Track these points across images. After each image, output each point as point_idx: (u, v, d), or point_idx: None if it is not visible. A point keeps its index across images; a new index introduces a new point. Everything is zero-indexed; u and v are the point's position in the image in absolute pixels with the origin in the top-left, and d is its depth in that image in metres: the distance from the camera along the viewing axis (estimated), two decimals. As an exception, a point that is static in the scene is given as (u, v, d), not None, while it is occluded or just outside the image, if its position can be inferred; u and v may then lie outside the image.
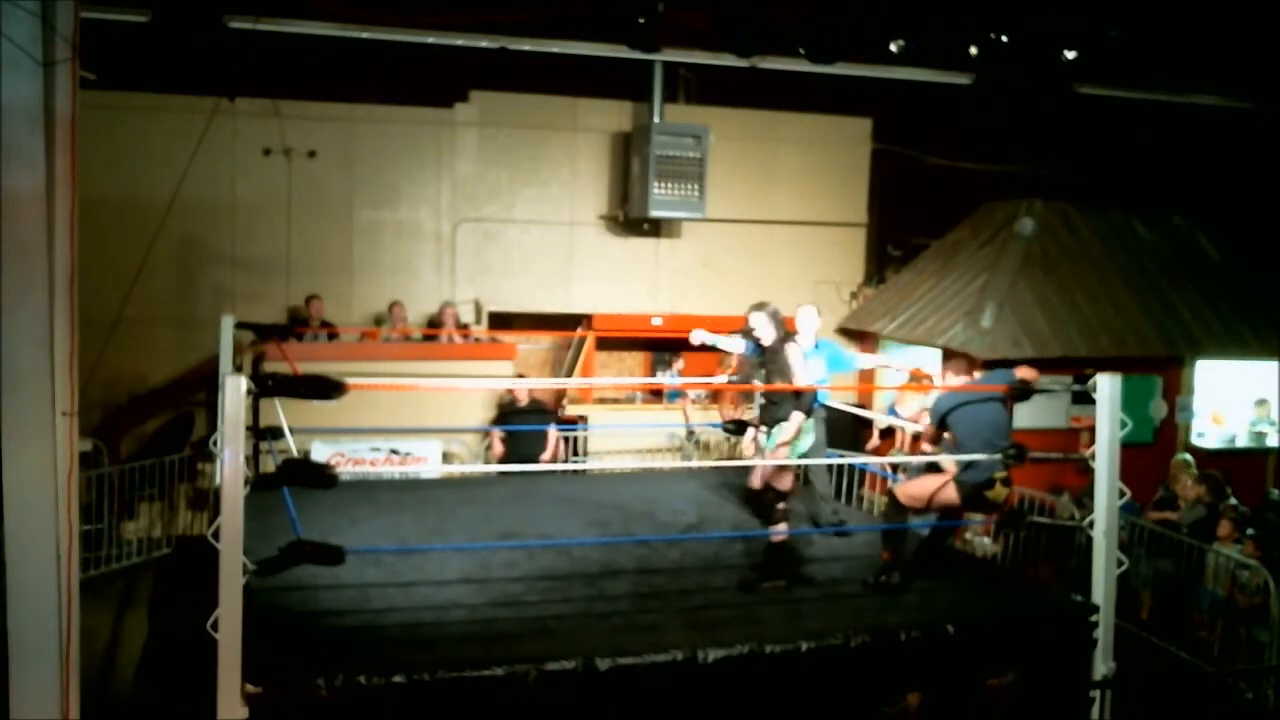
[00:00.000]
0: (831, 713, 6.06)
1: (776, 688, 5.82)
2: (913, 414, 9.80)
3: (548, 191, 13.80)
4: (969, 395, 6.85)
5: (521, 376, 12.93)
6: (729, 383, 10.19)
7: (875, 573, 6.91)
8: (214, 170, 11.92)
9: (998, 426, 6.72)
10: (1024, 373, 6.84)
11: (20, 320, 5.40)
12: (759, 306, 7.08)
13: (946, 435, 6.96)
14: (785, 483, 7.08)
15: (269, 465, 8.57)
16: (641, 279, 14.14)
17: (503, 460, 10.92)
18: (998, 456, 6.63)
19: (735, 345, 7.83)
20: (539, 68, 12.24)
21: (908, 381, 10.27)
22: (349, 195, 13.10)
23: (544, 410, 11.72)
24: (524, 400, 11.40)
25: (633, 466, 11.82)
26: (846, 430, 10.37)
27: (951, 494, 6.81)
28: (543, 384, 12.87)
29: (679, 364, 13.80)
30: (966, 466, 6.74)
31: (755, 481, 7.37)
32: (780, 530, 7.03)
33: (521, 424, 11.13)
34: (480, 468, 11.88)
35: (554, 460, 11.02)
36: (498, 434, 11.26)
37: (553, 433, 11.18)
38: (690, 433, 12.44)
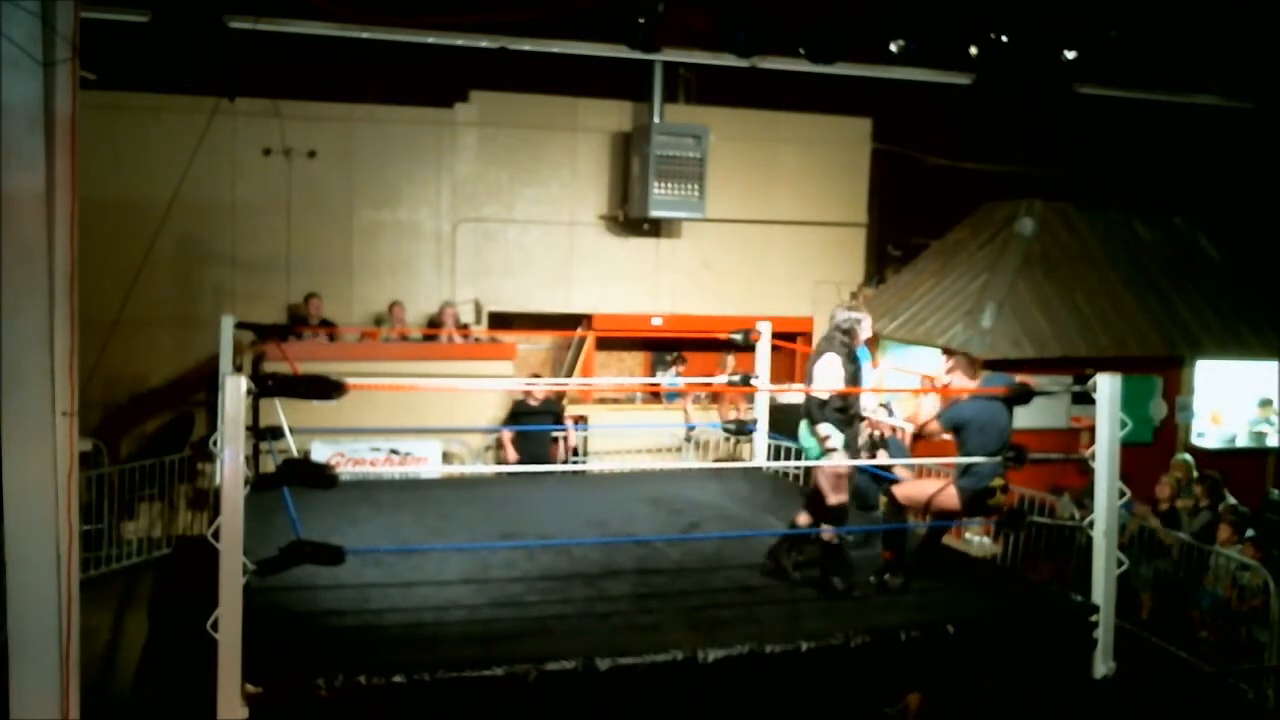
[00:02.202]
0: (831, 713, 6.06)
1: (776, 688, 5.81)
2: (908, 414, 9.80)
3: (548, 191, 13.80)
4: (986, 404, 6.79)
5: (537, 376, 12.97)
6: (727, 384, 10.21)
7: (877, 572, 6.91)
8: (214, 170, 11.92)
9: (1003, 435, 6.72)
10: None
11: (20, 320, 5.39)
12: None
13: (947, 436, 6.94)
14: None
15: (269, 465, 8.57)
16: (641, 279, 14.14)
17: (517, 464, 10.96)
18: (998, 460, 6.62)
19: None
20: (539, 68, 12.24)
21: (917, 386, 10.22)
22: (349, 195, 13.10)
23: (556, 411, 11.78)
24: (536, 400, 11.47)
25: (632, 466, 11.82)
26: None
27: (951, 499, 6.81)
28: (543, 384, 12.87)
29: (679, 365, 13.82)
30: (966, 472, 6.74)
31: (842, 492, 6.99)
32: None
33: (533, 424, 11.18)
34: (483, 468, 11.90)
35: (565, 461, 11.10)
36: (508, 437, 11.30)
37: (563, 433, 11.28)
38: (687, 434, 12.46)
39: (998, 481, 6.71)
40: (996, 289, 12.50)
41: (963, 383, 6.88)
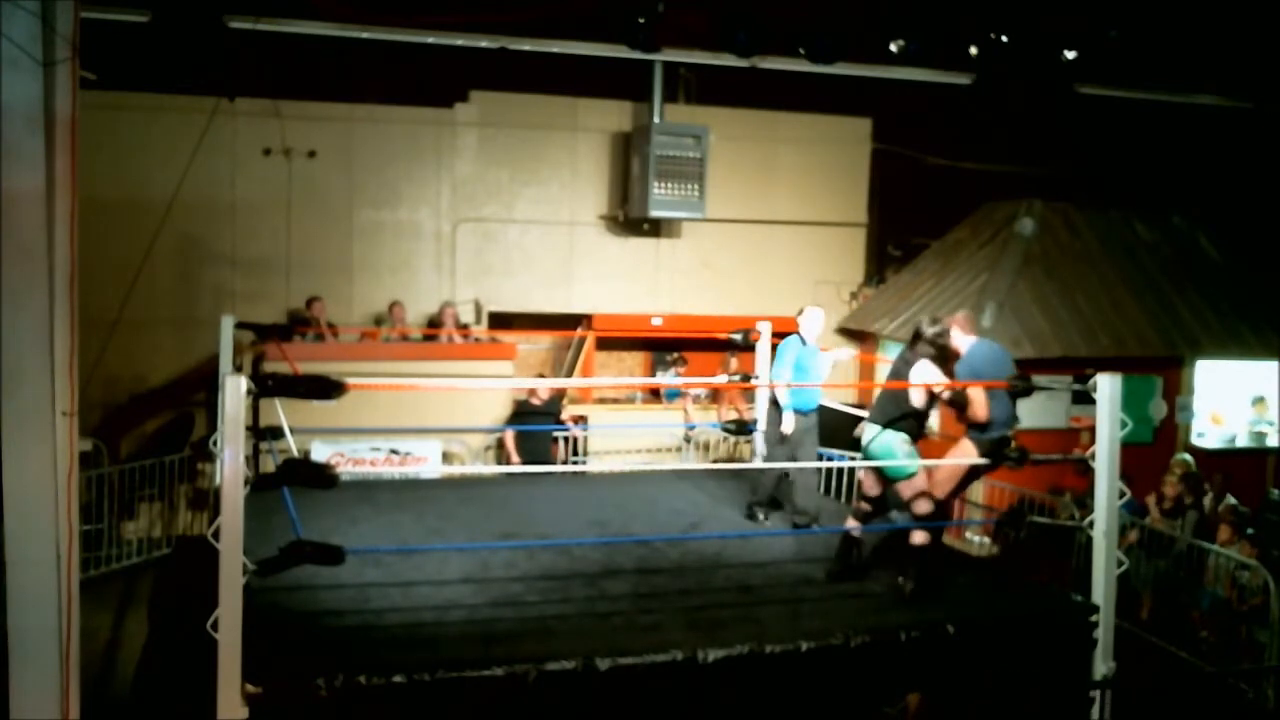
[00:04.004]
0: (831, 713, 6.06)
1: (776, 688, 5.82)
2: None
3: (548, 191, 13.80)
4: (989, 351, 7.02)
5: (543, 375, 12.96)
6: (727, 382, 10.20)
7: (897, 573, 6.92)
8: (214, 170, 11.92)
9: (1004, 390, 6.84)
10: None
11: (20, 320, 5.40)
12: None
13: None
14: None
15: (269, 465, 8.57)
16: (641, 279, 14.14)
17: (520, 463, 10.99)
18: (1010, 405, 6.74)
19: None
20: (539, 68, 12.25)
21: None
22: (349, 195, 13.10)
23: (557, 411, 11.80)
24: (539, 400, 11.48)
25: (633, 466, 11.83)
26: (843, 429, 10.35)
27: (969, 451, 6.85)
28: (543, 384, 12.88)
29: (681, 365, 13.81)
30: (982, 429, 6.79)
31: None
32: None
33: (536, 424, 11.19)
34: (483, 468, 11.91)
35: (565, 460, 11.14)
36: (510, 436, 11.31)
37: (565, 433, 11.33)
38: (686, 435, 12.45)
39: (1010, 432, 6.81)
40: (996, 289, 12.50)
41: (961, 338, 6.98)
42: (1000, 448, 6.75)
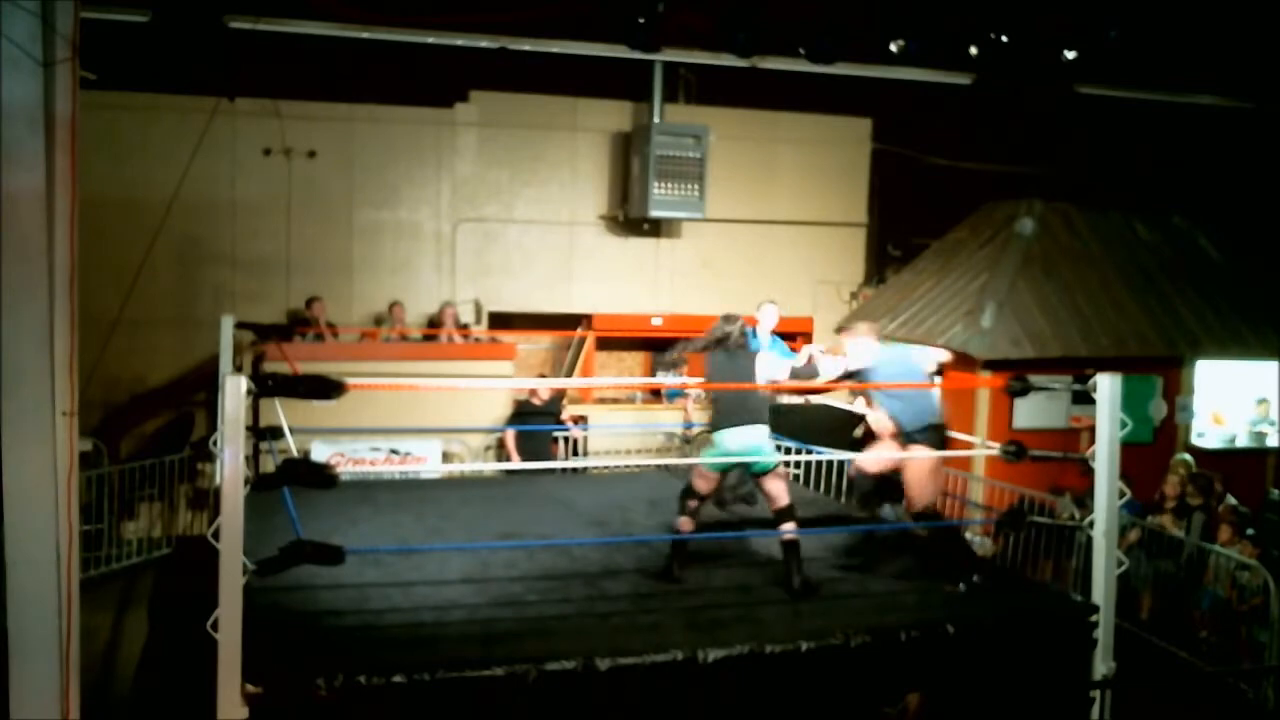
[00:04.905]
0: (831, 713, 6.06)
1: (776, 688, 5.82)
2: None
3: (548, 191, 13.80)
4: (890, 358, 7.22)
5: (543, 375, 12.95)
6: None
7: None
8: (214, 170, 11.92)
9: (915, 376, 7.06)
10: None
11: (20, 320, 5.40)
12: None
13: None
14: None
15: (269, 465, 8.57)
16: (641, 279, 14.14)
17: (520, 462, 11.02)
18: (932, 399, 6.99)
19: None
20: (539, 68, 12.25)
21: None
22: (349, 195, 13.10)
23: (557, 411, 11.81)
24: (540, 400, 11.49)
25: (633, 466, 11.83)
26: (843, 428, 10.34)
27: (882, 425, 7.16)
28: (543, 384, 12.88)
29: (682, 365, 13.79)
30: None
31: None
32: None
33: (536, 424, 11.20)
34: (486, 466, 11.91)
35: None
36: (510, 436, 11.32)
37: (565, 433, 11.34)
38: (684, 434, 12.45)
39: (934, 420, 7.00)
40: (996, 289, 12.50)
41: (870, 347, 7.18)
42: (931, 435, 6.96)
